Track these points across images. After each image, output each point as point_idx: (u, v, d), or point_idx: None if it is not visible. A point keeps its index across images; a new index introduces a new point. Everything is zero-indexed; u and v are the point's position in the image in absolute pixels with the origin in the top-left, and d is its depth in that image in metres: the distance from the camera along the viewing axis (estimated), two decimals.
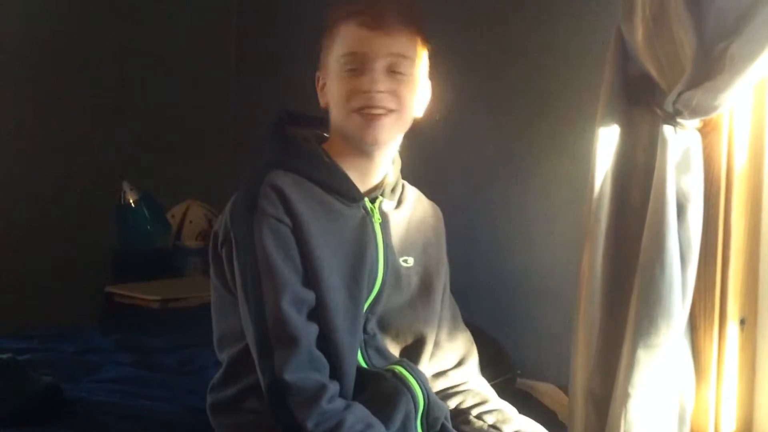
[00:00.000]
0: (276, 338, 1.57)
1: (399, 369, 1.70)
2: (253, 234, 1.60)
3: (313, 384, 1.56)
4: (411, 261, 1.79)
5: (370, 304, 1.72)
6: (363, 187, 1.73)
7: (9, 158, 3.26)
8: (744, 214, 1.88)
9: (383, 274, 1.73)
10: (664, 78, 1.77)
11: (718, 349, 1.89)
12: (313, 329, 1.60)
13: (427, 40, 1.72)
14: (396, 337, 1.79)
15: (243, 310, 1.63)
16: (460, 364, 1.87)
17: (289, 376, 1.55)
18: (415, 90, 1.70)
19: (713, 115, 1.79)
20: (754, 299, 1.92)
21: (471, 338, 1.92)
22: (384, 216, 1.76)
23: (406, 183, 1.86)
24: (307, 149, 1.72)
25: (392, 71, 1.64)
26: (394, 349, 1.79)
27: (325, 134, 1.78)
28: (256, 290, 1.59)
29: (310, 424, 1.53)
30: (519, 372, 2.39)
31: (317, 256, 1.62)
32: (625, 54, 1.84)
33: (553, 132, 2.50)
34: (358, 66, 1.63)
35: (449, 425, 1.76)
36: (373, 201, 1.74)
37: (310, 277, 1.61)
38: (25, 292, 3.23)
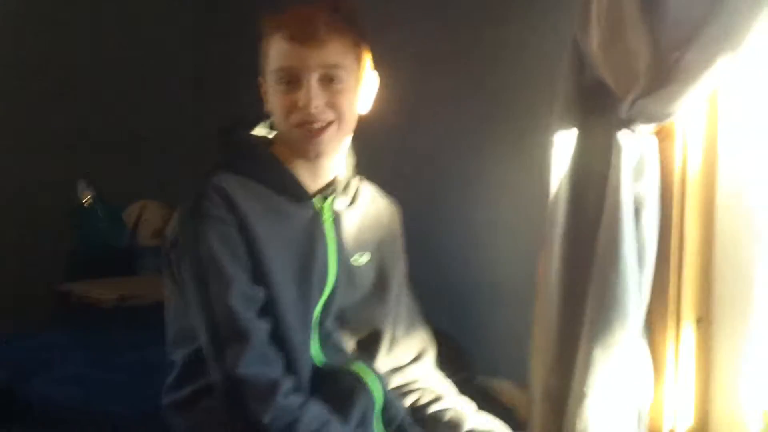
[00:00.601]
0: (226, 335, 1.58)
1: (357, 367, 1.72)
2: (198, 236, 1.61)
3: (267, 379, 1.57)
4: (365, 258, 1.80)
5: (324, 301, 1.73)
6: (313, 187, 1.74)
7: None
8: (698, 217, 1.92)
9: (336, 271, 1.74)
10: (619, 86, 1.79)
11: (675, 348, 1.92)
12: (264, 325, 1.61)
13: (363, 39, 1.71)
14: (352, 333, 1.81)
15: (194, 311, 1.63)
16: (416, 359, 1.89)
17: (242, 370, 1.55)
18: (355, 95, 1.69)
19: (667, 122, 1.81)
20: (709, 299, 1.95)
21: (428, 334, 1.93)
22: (336, 214, 1.76)
23: (361, 180, 1.87)
24: (255, 151, 1.73)
25: (328, 82, 1.64)
26: (351, 345, 1.81)
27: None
28: (205, 290, 1.60)
29: (266, 419, 1.54)
30: (473, 371, 2.41)
31: (265, 255, 1.62)
32: (580, 61, 1.86)
33: (510, 136, 2.51)
34: (292, 80, 1.63)
35: (406, 423, 1.77)
36: (324, 200, 1.74)
37: (259, 275, 1.62)
38: None
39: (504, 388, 2.39)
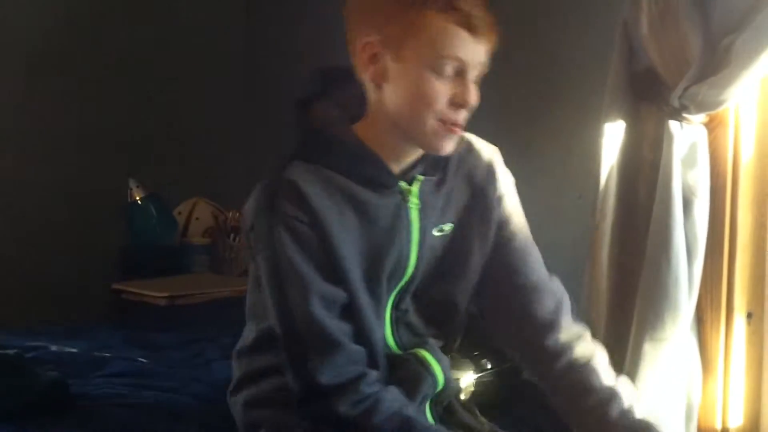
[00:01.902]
0: (311, 344, 1.51)
1: (422, 353, 1.65)
2: (273, 235, 1.52)
3: (351, 374, 1.51)
4: (448, 228, 1.66)
5: (402, 286, 1.63)
6: (398, 168, 1.60)
7: (18, 156, 3.26)
8: (750, 207, 1.89)
9: (416, 260, 1.62)
10: (670, 73, 1.77)
11: (725, 343, 1.90)
12: (347, 327, 1.53)
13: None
14: (427, 309, 1.68)
15: (270, 307, 1.56)
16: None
17: (326, 379, 1.49)
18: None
19: (719, 110, 1.79)
20: (760, 293, 1.92)
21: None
22: (423, 196, 1.62)
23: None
24: (333, 135, 1.58)
25: (476, 80, 1.53)
26: (427, 321, 1.69)
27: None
28: (281, 294, 1.53)
29: (348, 408, 1.49)
30: None
31: (340, 254, 1.53)
32: (630, 49, 1.85)
33: (558, 127, 2.50)
34: (455, 72, 1.50)
35: (456, 403, 1.73)
36: (410, 182, 1.60)
37: (336, 275, 1.53)
38: (33, 290, 3.23)
39: None
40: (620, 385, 1.66)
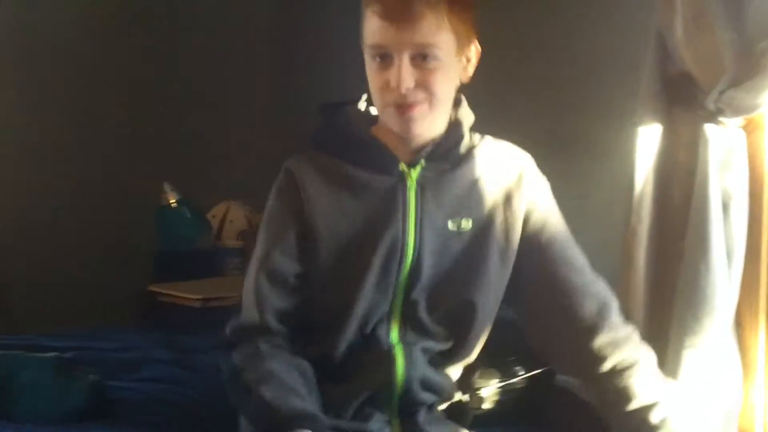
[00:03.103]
0: (242, 301, 1.67)
1: (396, 348, 1.65)
2: (266, 210, 1.71)
3: (251, 326, 1.64)
4: (467, 225, 1.68)
5: (408, 274, 1.66)
6: (408, 155, 1.67)
7: (52, 160, 3.30)
8: None
9: (416, 240, 1.65)
10: (705, 77, 1.76)
11: (765, 347, 1.88)
12: (283, 304, 1.65)
13: (463, 11, 1.61)
14: (441, 308, 1.69)
15: None
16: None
17: (230, 328, 1.68)
18: (448, 72, 1.62)
19: (755, 114, 1.77)
20: None
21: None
22: (424, 180, 1.67)
23: (482, 139, 1.75)
24: (342, 126, 1.71)
25: (420, 60, 1.57)
26: (439, 320, 1.69)
27: None
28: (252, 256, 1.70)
29: (236, 356, 1.63)
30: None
31: (320, 230, 1.64)
32: (664, 53, 1.84)
33: (592, 131, 2.49)
34: (384, 58, 1.58)
35: (426, 420, 1.70)
36: (414, 166, 1.67)
37: (312, 251, 1.65)
38: (68, 292, 3.27)
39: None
40: (666, 390, 1.65)
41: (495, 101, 2.64)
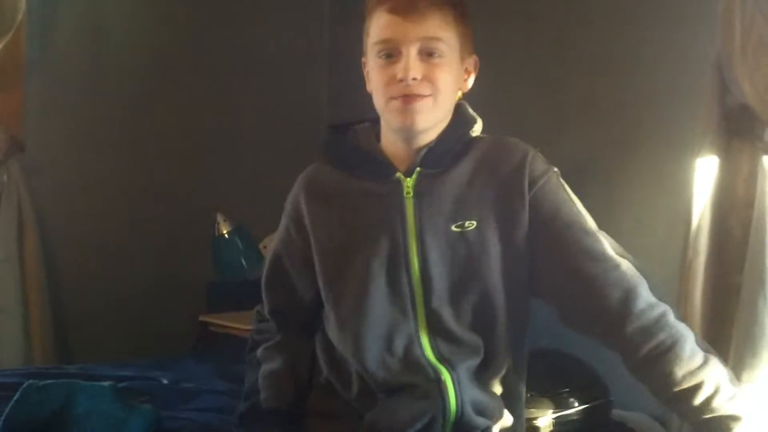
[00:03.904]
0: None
1: (445, 375, 1.63)
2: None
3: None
4: (471, 225, 1.65)
5: (420, 281, 1.64)
6: (406, 163, 1.69)
7: (108, 191, 3.34)
8: None
9: (418, 247, 1.65)
10: (764, 108, 1.74)
11: None
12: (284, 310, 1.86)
13: (465, 16, 1.66)
14: (466, 314, 1.66)
15: None
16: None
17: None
18: (453, 70, 1.65)
19: None
20: None
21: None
22: (420, 184, 1.67)
23: (479, 140, 1.73)
24: (343, 139, 1.78)
25: (427, 55, 1.62)
26: (467, 328, 1.66)
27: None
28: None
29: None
30: (612, 399, 2.35)
31: (315, 238, 1.72)
32: (722, 84, 1.82)
33: (649, 163, 2.48)
34: (391, 53, 1.63)
35: None
36: (411, 174, 1.68)
37: (318, 261, 1.72)
38: (124, 322, 3.31)
39: (641, 421, 2.32)
40: (711, 369, 1.57)
41: (552, 128, 2.65)
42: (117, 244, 3.35)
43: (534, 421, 1.99)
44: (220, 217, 3.41)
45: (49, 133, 3.18)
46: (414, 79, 1.60)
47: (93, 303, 3.27)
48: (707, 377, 1.56)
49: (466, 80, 1.72)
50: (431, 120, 1.66)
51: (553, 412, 2.01)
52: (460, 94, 1.73)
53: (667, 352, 1.58)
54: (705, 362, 1.57)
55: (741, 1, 1.77)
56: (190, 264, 3.49)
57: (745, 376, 1.77)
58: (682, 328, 1.60)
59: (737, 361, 1.77)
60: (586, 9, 2.77)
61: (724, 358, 1.82)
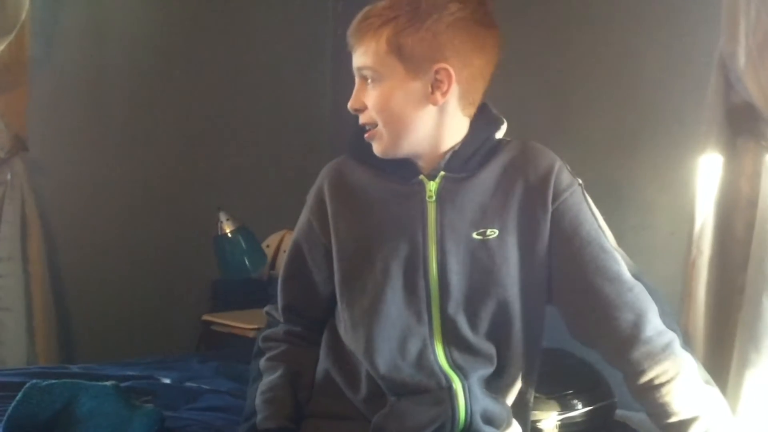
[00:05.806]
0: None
1: (456, 384, 1.63)
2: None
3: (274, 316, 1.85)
4: (493, 233, 1.63)
5: (437, 286, 1.63)
6: (430, 166, 1.68)
7: (112, 190, 3.35)
8: None
9: (438, 252, 1.63)
10: None
11: None
12: (298, 312, 1.81)
13: (412, 27, 1.59)
14: (482, 322, 1.64)
15: None
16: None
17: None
18: (395, 94, 1.62)
19: None
20: None
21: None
22: (444, 192, 1.65)
23: (505, 144, 1.71)
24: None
25: (365, 82, 1.66)
26: (482, 337, 1.65)
27: None
28: None
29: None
30: (616, 400, 2.34)
31: (337, 238, 1.70)
32: (727, 83, 1.82)
33: (653, 161, 2.47)
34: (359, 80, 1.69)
35: None
36: (434, 177, 1.66)
37: (336, 259, 1.70)
38: (126, 321, 3.31)
39: (642, 420, 2.32)
40: (708, 402, 1.59)
41: (558, 127, 2.64)
42: (120, 242, 3.35)
43: (538, 424, 1.98)
44: (223, 216, 3.40)
45: (52, 131, 3.19)
46: (356, 110, 1.67)
47: (96, 302, 3.28)
48: (704, 412, 1.57)
49: (434, 93, 1.62)
50: (397, 146, 1.66)
51: (558, 414, 2.01)
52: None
53: (670, 381, 1.59)
54: (704, 396, 1.59)
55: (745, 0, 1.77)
56: (193, 263, 3.50)
57: (749, 374, 1.77)
58: (687, 357, 1.61)
59: (741, 360, 1.77)
60: (589, 8, 2.77)
61: (728, 357, 1.82)
